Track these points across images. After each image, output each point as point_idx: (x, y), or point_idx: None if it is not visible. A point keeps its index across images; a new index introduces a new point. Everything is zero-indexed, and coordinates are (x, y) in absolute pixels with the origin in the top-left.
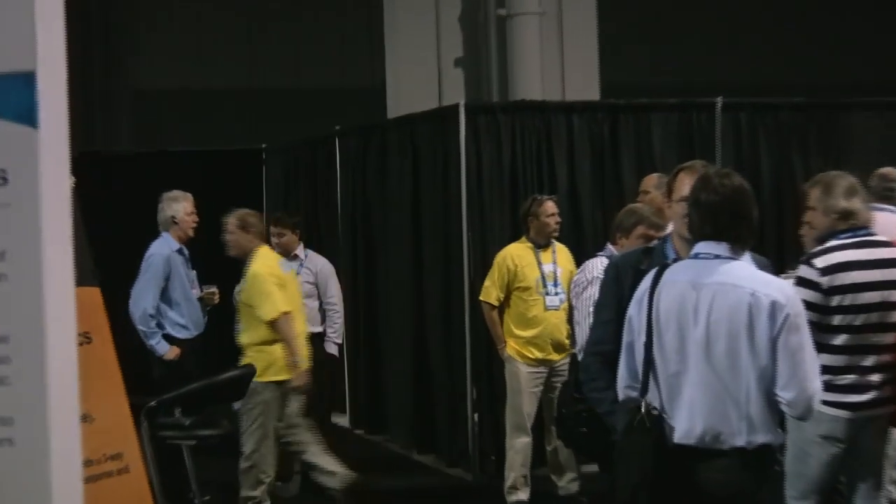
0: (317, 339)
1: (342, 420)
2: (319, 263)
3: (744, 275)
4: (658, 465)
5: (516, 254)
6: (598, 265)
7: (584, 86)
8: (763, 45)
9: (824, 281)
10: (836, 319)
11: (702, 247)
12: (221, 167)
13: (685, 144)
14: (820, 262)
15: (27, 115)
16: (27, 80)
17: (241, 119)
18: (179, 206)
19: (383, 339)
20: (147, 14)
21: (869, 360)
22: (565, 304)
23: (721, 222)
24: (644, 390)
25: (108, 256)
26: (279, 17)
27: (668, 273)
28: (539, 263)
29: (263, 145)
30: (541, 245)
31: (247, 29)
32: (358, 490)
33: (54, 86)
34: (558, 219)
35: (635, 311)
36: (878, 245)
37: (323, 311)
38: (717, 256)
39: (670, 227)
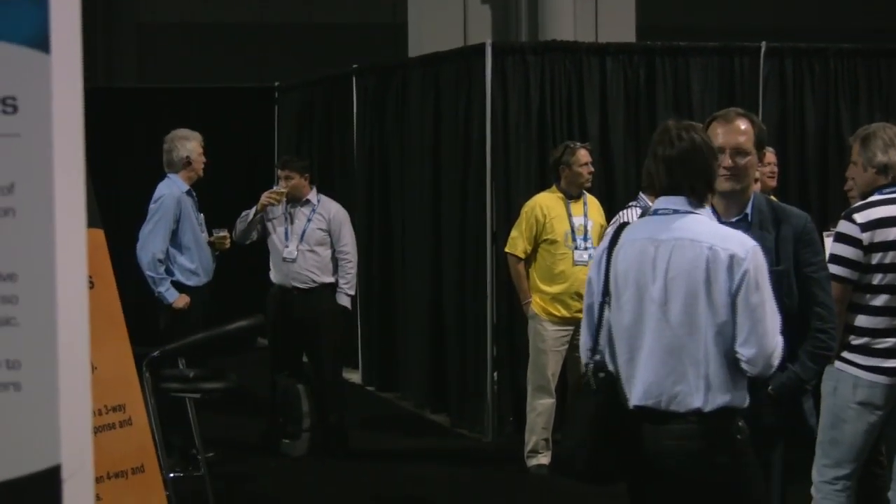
0: (328, 290)
1: (354, 376)
2: (333, 209)
3: (702, 229)
4: (603, 429)
5: (546, 204)
6: (632, 216)
7: (619, 26)
8: None
9: (864, 237)
10: (877, 278)
11: (661, 202)
12: (231, 106)
13: (726, 91)
14: (860, 217)
15: (39, 39)
16: (39, 2)
17: (252, 55)
18: (192, 146)
19: (398, 291)
20: None
21: None
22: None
23: (677, 176)
24: (593, 352)
25: (109, 197)
26: None
27: (626, 231)
28: (569, 215)
29: (276, 83)
30: (572, 196)
31: None
32: None
33: (67, 8)
34: (591, 168)
35: (594, 273)
36: None
37: (335, 259)
38: (676, 211)
39: None
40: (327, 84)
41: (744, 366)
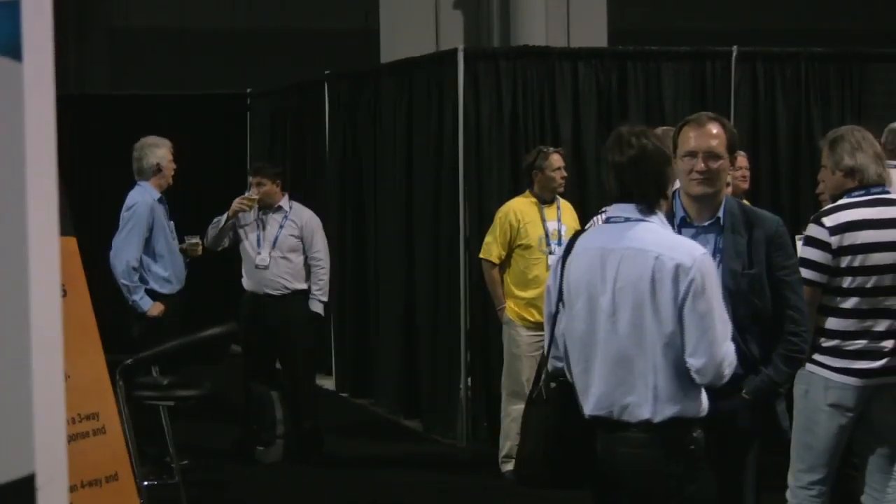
0: (301, 297)
1: (327, 382)
2: (305, 216)
3: (650, 238)
4: (555, 438)
5: (519, 209)
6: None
7: (591, 31)
8: None
9: (833, 241)
10: (846, 281)
11: (612, 209)
12: (203, 112)
13: (698, 96)
14: (829, 220)
15: (10, 47)
16: (10, 10)
17: (224, 62)
18: (162, 153)
19: (372, 297)
20: None
21: (881, 325)
22: None
23: (627, 183)
24: (557, 360)
25: (81, 205)
26: None
27: (580, 240)
28: (543, 220)
29: (248, 90)
30: (545, 201)
31: None
32: None
33: (40, 15)
34: (564, 173)
35: (552, 281)
36: (892, 203)
37: (307, 266)
38: (627, 219)
39: (677, 184)
40: (299, 90)
41: (694, 376)
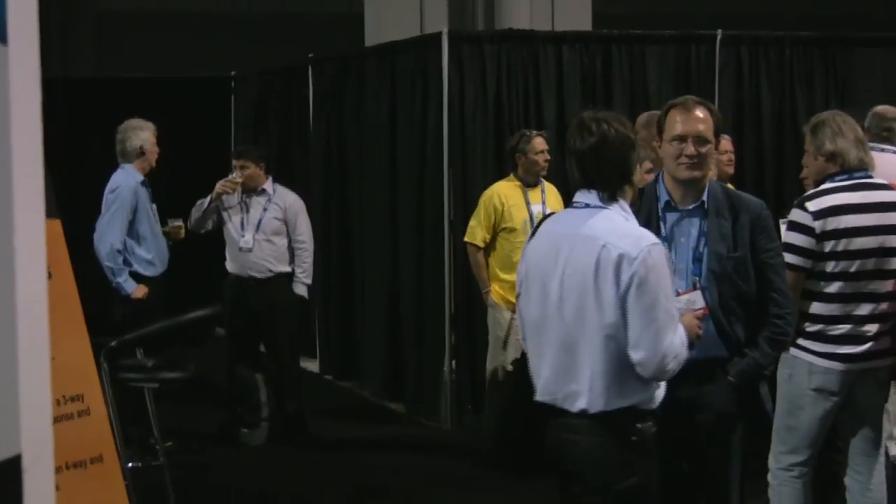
0: (285, 279)
1: (311, 365)
2: (289, 199)
3: (603, 226)
4: (510, 419)
5: (503, 192)
6: None
7: (576, 15)
8: None
9: (817, 225)
10: (830, 266)
11: (577, 196)
12: (188, 95)
13: (682, 80)
14: (812, 205)
15: None
16: None
17: (208, 45)
18: (145, 136)
19: (356, 280)
20: None
21: (864, 310)
22: None
23: (588, 170)
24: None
25: (65, 187)
26: None
27: (544, 225)
28: (527, 203)
29: (232, 73)
30: (529, 184)
31: None
32: None
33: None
34: (547, 156)
35: (521, 265)
36: (874, 188)
37: (291, 249)
38: (587, 205)
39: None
40: (284, 74)
41: (637, 369)
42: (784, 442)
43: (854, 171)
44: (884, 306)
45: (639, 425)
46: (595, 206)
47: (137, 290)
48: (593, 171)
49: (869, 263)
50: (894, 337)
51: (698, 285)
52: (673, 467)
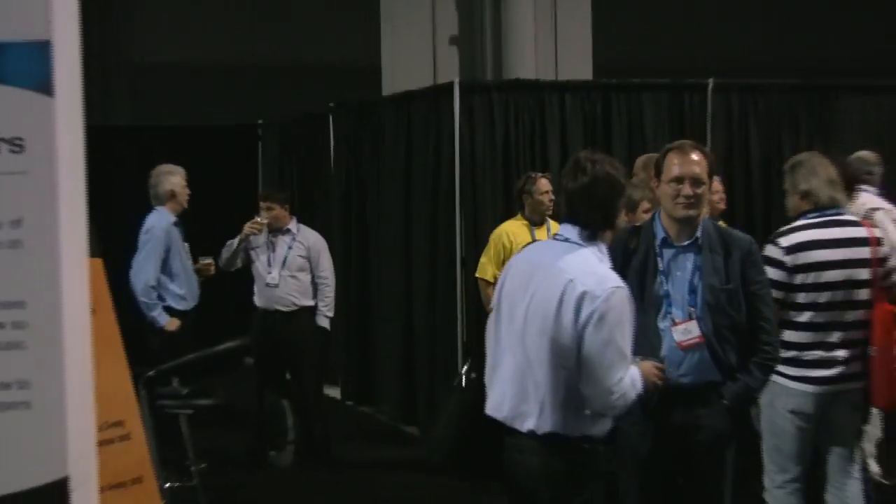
0: (308, 312)
1: (334, 392)
2: (311, 238)
3: (575, 262)
4: (467, 425)
5: (512, 231)
6: None
7: (578, 65)
8: (755, 27)
9: (788, 260)
10: (801, 297)
11: (560, 228)
12: (217, 142)
13: (676, 125)
14: (784, 241)
15: (43, 84)
16: (43, 49)
17: (237, 95)
18: (176, 180)
19: (374, 313)
20: None
21: (835, 337)
22: None
23: (575, 207)
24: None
25: (103, 228)
26: None
27: (524, 251)
28: (534, 241)
29: (259, 121)
30: (535, 222)
31: (244, 5)
32: None
33: (69, 55)
34: (552, 196)
35: (498, 282)
36: (844, 224)
37: (314, 284)
38: (567, 240)
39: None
40: (306, 122)
41: (586, 402)
42: (773, 461)
43: (826, 208)
44: (853, 334)
45: (585, 447)
46: (574, 242)
47: (170, 324)
48: (580, 208)
49: (838, 294)
50: (864, 362)
51: (694, 315)
52: (671, 483)
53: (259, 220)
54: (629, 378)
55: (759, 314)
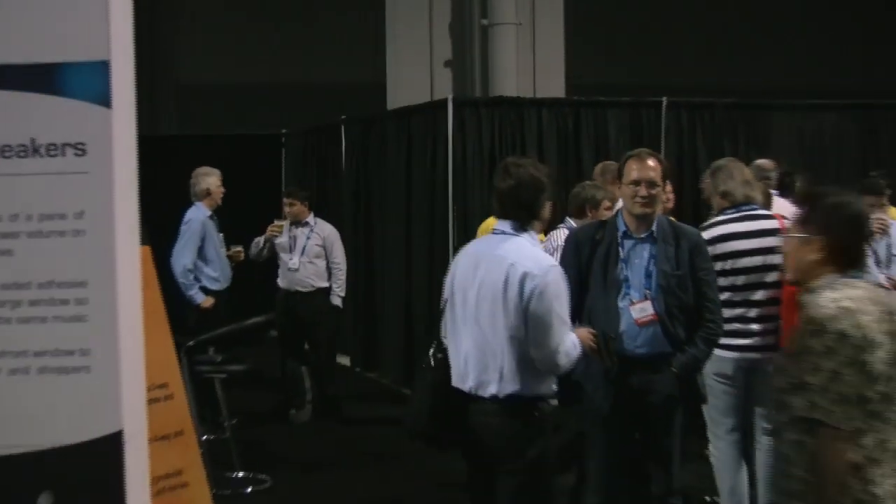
0: (324, 293)
1: (344, 360)
2: (327, 230)
3: (513, 248)
4: (440, 400)
5: (495, 224)
6: (560, 235)
7: (552, 85)
8: (702, 54)
9: (709, 249)
10: (722, 281)
11: (497, 224)
12: (248, 149)
13: (636, 137)
14: (707, 234)
15: (103, 97)
16: (103, 68)
17: (264, 109)
18: (211, 180)
19: (379, 293)
20: (185, 17)
21: (751, 313)
22: None
23: (507, 205)
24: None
25: (151, 220)
26: (298, 20)
27: (469, 245)
28: None
29: (283, 131)
30: None
31: (269, 32)
32: None
33: (125, 73)
34: None
35: (448, 275)
36: (758, 218)
37: (329, 269)
38: (504, 233)
39: (620, 204)
40: (322, 132)
41: (535, 363)
42: (712, 418)
43: (742, 205)
44: (766, 310)
45: (539, 406)
46: (509, 234)
47: (205, 301)
48: (509, 206)
49: (753, 277)
50: (777, 335)
51: (649, 297)
52: (629, 437)
53: (278, 223)
54: (570, 341)
55: (705, 296)
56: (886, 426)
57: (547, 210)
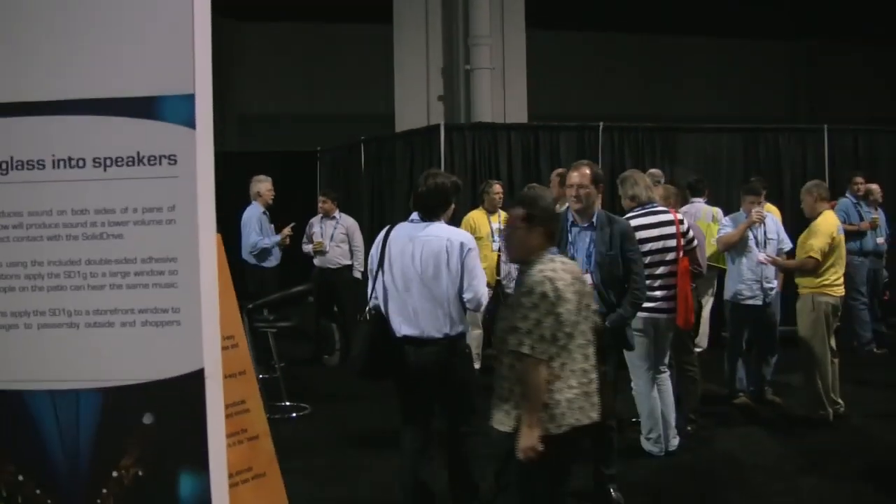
0: (348, 269)
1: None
2: (349, 222)
3: (441, 229)
4: (376, 345)
5: (475, 217)
6: None
7: (518, 113)
8: (629, 89)
9: None
10: None
11: (412, 216)
12: (293, 162)
13: (580, 152)
14: None
15: (189, 121)
16: (189, 99)
17: (304, 131)
18: (263, 185)
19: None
20: (244, 62)
21: (656, 283)
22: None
23: (425, 203)
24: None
25: (223, 215)
26: (331, 65)
27: (394, 231)
28: (490, 223)
29: (318, 148)
30: (491, 212)
31: (308, 75)
32: None
33: (205, 103)
34: (502, 195)
35: (374, 252)
36: (658, 213)
37: (351, 250)
38: (423, 220)
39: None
40: (347, 149)
41: (466, 304)
42: (631, 362)
43: (645, 204)
44: (667, 281)
45: (463, 341)
46: (427, 222)
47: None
48: (427, 203)
49: (656, 257)
50: (675, 301)
51: (588, 271)
52: None
53: (320, 243)
54: (484, 288)
55: (631, 270)
56: (569, 355)
57: (451, 209)
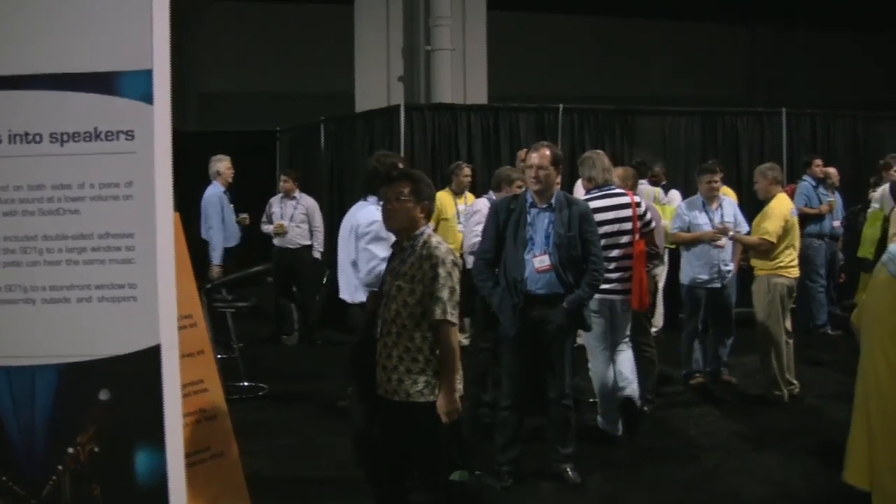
0: (307, 249)
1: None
2: (309, 202)
3: (362, 211)
4: (326, 306)
5: (442, 198)
6: (482, 203)
7: (478, 94)
8: (588, 72)
9: None
10: None
11: (363, 197)
12: (251, 141)
13: (540, 134)
14: None
15: (146, 97)
16: (147, 75)
17: (263, 110)
18: (222, 164)
19: None
20: (203, 39)
21: (611, 265)
22: None
23: (369, 184)
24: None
25: (180, 194)
26: (288, 44)
27: (353, 207)
28: (456, 205)
29: (277, 128)
30: (458, 193)
31: (269, 53)
32: None
33: (163, 79)
34: (470, 177)
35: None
36: (614, 195)
37: (311, 231)
38: (363, 200)
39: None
40: (306, 129)
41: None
42: (588, 342)
43: (602, 186)
44: (623, 262)
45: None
46: (364, 202)
47: (215, 270)
48: (371, 184)
49: (611, 240)
50: (629, 282)
51: (547, 252)
52: (530, 358)
53: (281, 223)
54: (378, 268)
55: (590, 252)
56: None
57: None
